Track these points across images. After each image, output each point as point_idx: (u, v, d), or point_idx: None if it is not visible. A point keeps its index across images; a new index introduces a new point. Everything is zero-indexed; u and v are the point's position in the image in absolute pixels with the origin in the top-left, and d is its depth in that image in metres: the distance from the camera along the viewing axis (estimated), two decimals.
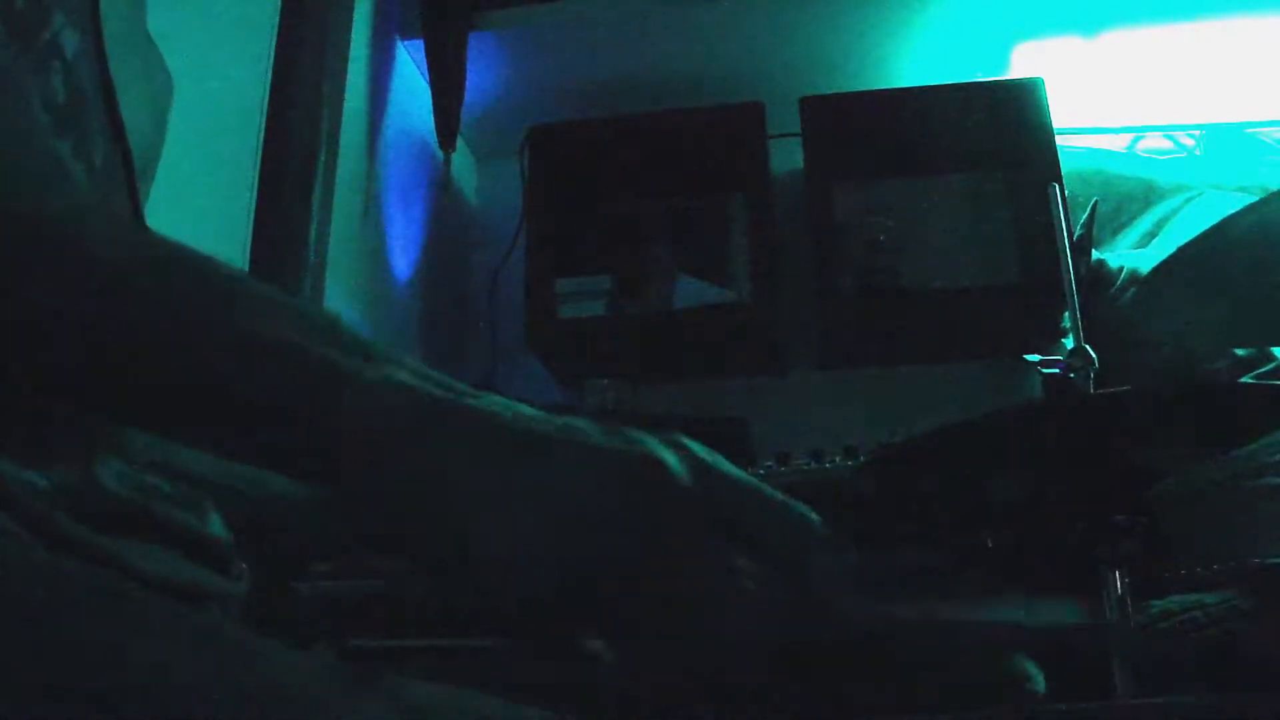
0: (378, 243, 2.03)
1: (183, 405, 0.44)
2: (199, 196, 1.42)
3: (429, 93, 2.10)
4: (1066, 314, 1.51)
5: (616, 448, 0.44)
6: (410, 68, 2.15)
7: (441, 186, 2.24)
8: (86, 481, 0.54)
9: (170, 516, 0.58)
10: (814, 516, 0.47)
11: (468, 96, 2.10)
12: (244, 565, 0.66)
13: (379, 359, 0.45)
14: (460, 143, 2.20)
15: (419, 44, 2.10)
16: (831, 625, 0.47)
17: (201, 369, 0.43)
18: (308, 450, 0.44)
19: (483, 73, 2.12)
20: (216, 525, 0.63)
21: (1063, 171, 1.87)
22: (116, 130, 0.60)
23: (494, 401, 0.46)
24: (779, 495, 0.46)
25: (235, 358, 0.43)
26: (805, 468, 1.41)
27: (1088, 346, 1.24)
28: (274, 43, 1.67)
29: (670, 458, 0.44)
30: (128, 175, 0.62)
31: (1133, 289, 1.83)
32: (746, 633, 0.44)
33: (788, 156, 2.07)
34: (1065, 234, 1.33)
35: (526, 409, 0.46)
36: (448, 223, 2.30)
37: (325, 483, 0.46)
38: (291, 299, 0.46)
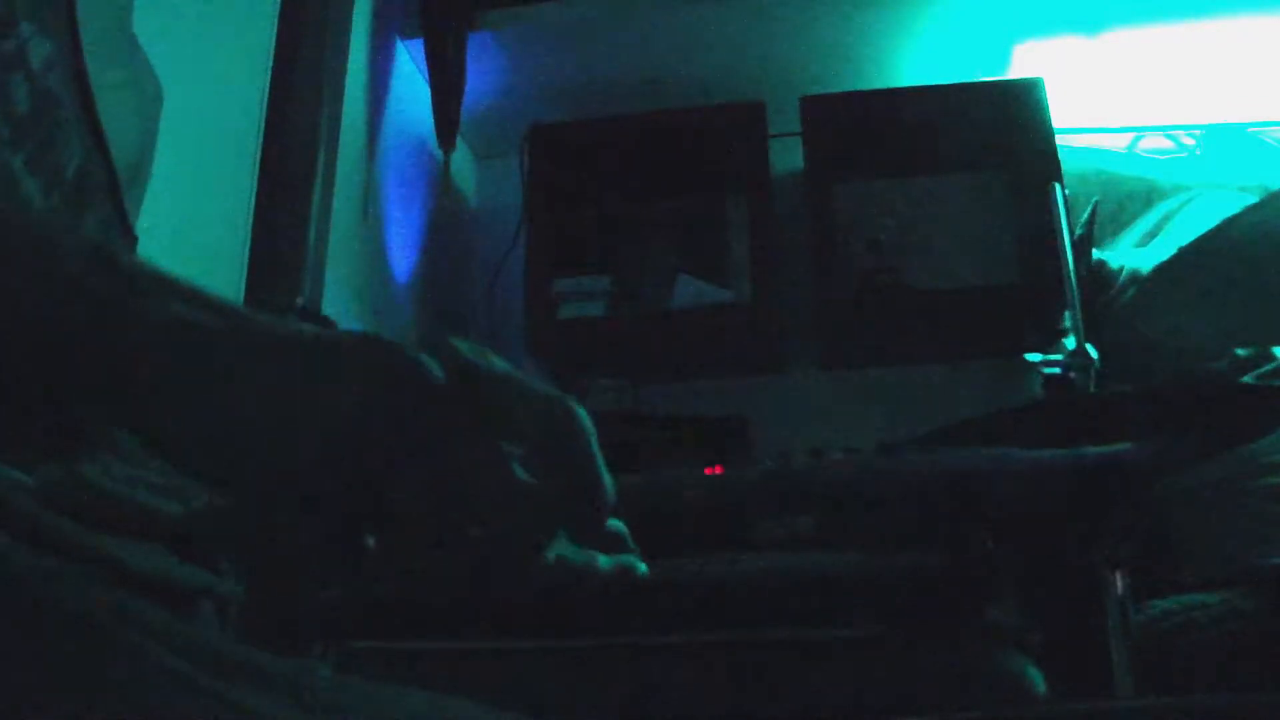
0: (378, 243, 2.03)
1: None
2: (199, 197, 1.42)
3: (429, 93, 2.10)
4: (1067, 314, 1.51)
5: (374, 353, 0.45)
6: (410, 68, 2.15)
7: (441, 186, 2.24)
8: (73, 479, 0.54)
9: (159, 510, 0.58)
10: (579, 409, 0.48)
11: (468, 96, 2.10)
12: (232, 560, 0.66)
13: (151, 287, 0.45)
14: (460, 143, 2.20)
15: (419, 44, 2.10)
16: (594, 515, 0.49)
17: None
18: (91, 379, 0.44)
19: (483, 73, 2.12)
20: None
21: (1063, 171, 1.87)
22: (97, 139, 0.60)
23: (258, 320, 0.46)
24: (544, 388, 0.48)
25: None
26: (805, 468, 1.41)
27: (1088, 346, 1.24)
28: (274, 43, 1.67)
29: (429, 360, 0.45)
30: (110, 183, 0.61)
31: (1133, 289, 1.83)
32: (512, 519, 0.45)
33: (788, 156, 2.07)
34: (1065, 234, 1.33)
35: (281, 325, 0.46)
36: (448, 223, 2.30)
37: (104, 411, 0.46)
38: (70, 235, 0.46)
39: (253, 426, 0.44)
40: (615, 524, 0.60)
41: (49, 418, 0.51)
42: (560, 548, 0.53)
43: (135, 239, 0.75)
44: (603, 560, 0.59)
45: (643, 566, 0.64)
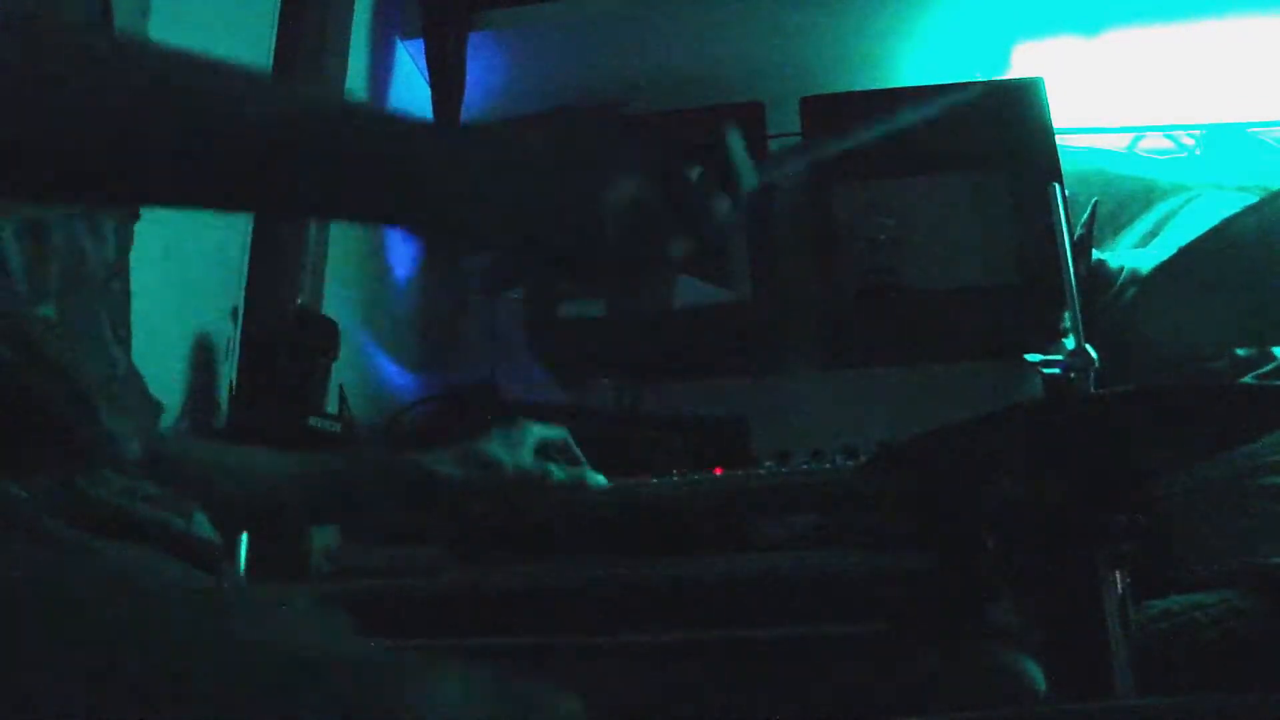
0: (378, 243, 2.03)
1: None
2: None
3: (429, 93, 2.10)
4: (1066, 314, 1.51)
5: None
6: (410, 68, 2.15)
7: None
8: (68, 490, 0.57)
9: (155, 518, 0.61)
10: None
11: (468, 96, 2.10)
12: (230, 565, 0.70)
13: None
14: None
15: (419, 44, 2.09)
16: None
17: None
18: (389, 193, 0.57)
19: (483, 73, 2.12)
20: (204, 526, 0.65)
21: (1063, 171, 1.87)
22: None
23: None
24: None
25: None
26: (805, 468, 1.41)
27: (1088, 346, 1.24)
28: (274, 43, 1.67)
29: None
30: None
31: (1133, 289, 1.83)
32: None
33: None
34: (1065, 234, 1.33)
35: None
36: None
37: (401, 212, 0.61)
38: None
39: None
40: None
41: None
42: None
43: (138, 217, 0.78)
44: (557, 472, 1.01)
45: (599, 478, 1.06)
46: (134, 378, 0.79)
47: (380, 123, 0.60)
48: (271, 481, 0.98)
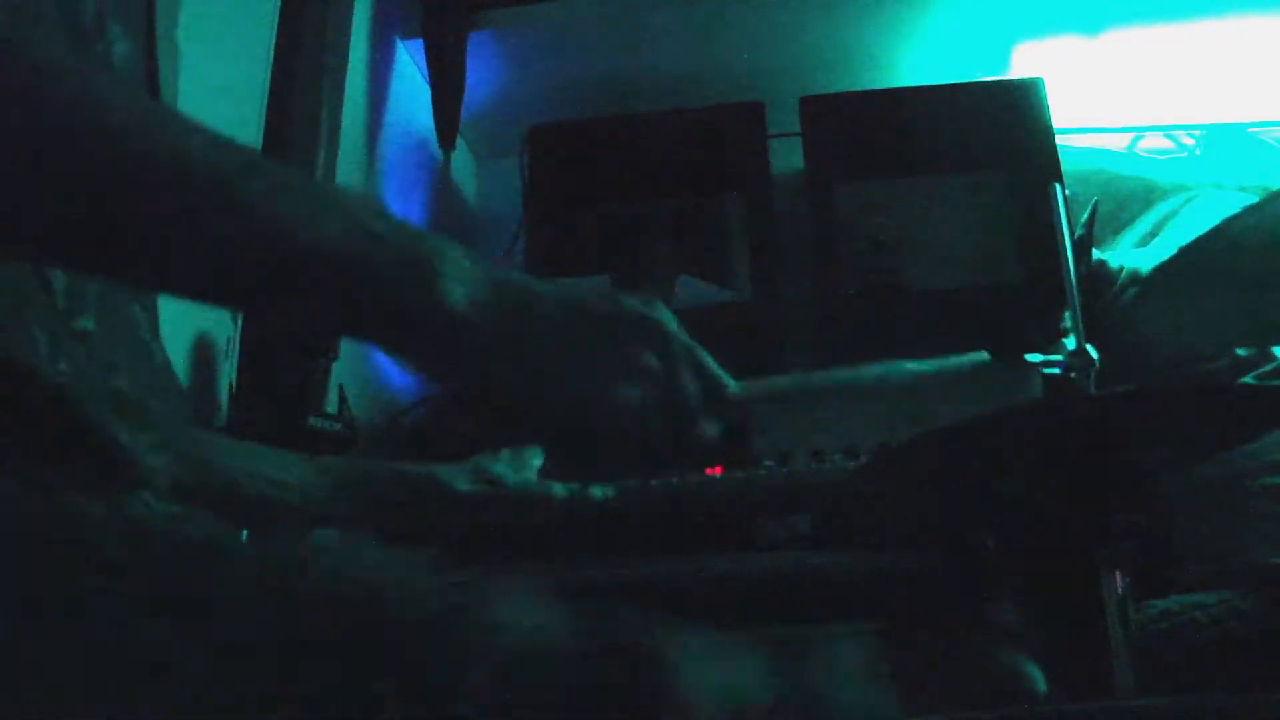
0: None
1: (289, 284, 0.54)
2: None
3: (429, 93, 2.10)
4: (1067, 314, 1.51)
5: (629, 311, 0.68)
6: (410, 68, 2.15)
7: (441, 186, 2.24)
8: (118, 512, 0.61)
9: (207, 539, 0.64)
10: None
11: (468, 96, 2.10)
12: None
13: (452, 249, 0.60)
14: (460, 143, 2.20)
15: (419, 44, 2.09)
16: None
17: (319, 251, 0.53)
18: (409, 334, 0.59)
19: (483, 73, 2.12)
20: None
21: (1063, 171, 1.87)
22: None
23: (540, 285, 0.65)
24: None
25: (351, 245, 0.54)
26: (805, 468, 1.41)
27: (1088, 346, 1.24)
28: (274, 42, 1.67)
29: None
30: None
31: (1133, 289, 1.83)
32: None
33: (788, 156, 2.07)
34: (1065, 234, 1.33)
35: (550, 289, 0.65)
36: (447, 223, 2.30)
37: (424, 359, 0.63)
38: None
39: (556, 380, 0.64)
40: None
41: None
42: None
43: None
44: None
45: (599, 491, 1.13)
46: (166, 367, 0.81)
47: (405, 250, 0.58)
48: (300, 486, 1.03)
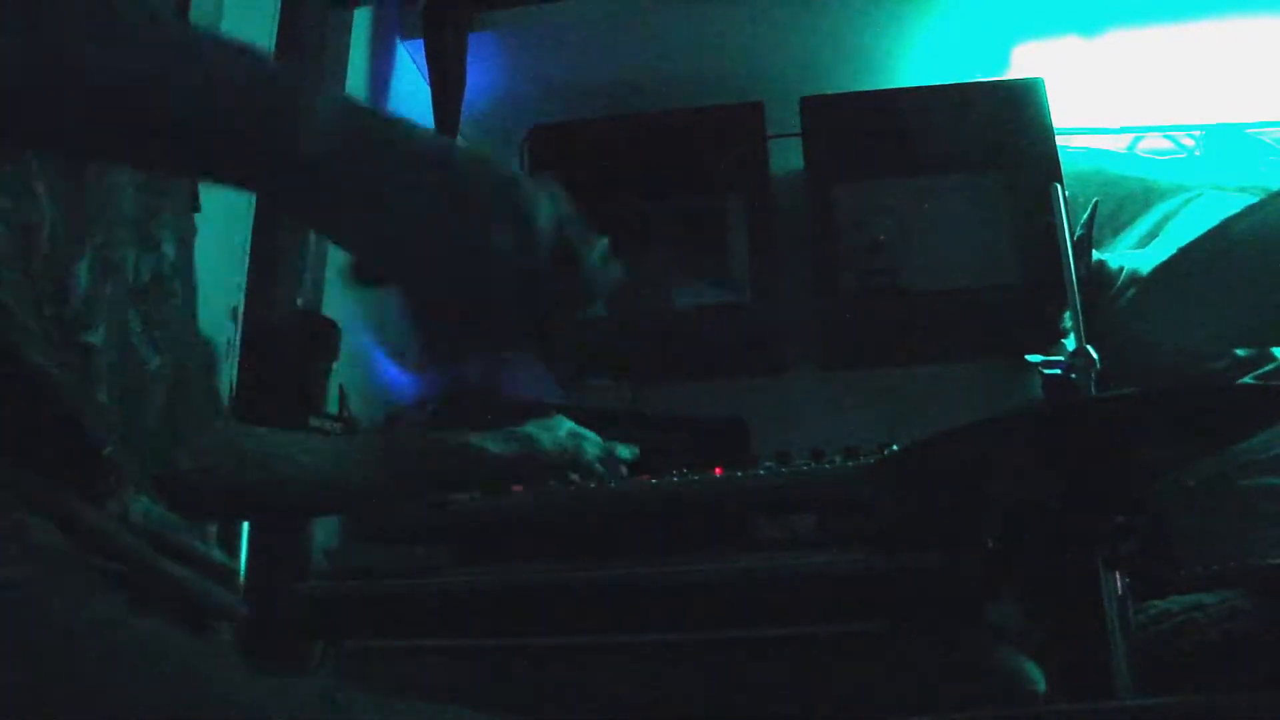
0: None
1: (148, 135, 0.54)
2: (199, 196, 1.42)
3: (429, 93, 2.10)
4: (1067, 314, 1.51)
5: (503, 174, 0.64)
6: (410, 68, 2.15)
7: None
8: (124, 518, 0.64)
9: (188, 544, 0.68)
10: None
11: (468, 96, 2.10)
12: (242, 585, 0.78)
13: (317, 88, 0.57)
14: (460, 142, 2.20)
15: (419, 44, 2.09)
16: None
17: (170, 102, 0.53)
18: (262, 166, 0.56)
19: (483, 73, 2.12)
20: (219, 553, 0.72)
21: (1063, 171, 1.87)
22: None
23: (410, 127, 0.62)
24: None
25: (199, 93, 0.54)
26: (805, 468, 1.41)
27: (1089, 347, 1.24)
28: (274, 43, 1.67)
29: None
30: None
31: (1133, 289, 1.83)
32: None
33: (788, 156, 2.07)
34: (1065, 234, 1.33)
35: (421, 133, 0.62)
36: None
37: (277, 194, 0.59)
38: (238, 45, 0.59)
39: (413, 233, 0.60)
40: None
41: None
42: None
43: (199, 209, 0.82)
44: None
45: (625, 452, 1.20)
46: (206, 371, 0.85)
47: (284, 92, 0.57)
48: (335, 454, 1.05)
